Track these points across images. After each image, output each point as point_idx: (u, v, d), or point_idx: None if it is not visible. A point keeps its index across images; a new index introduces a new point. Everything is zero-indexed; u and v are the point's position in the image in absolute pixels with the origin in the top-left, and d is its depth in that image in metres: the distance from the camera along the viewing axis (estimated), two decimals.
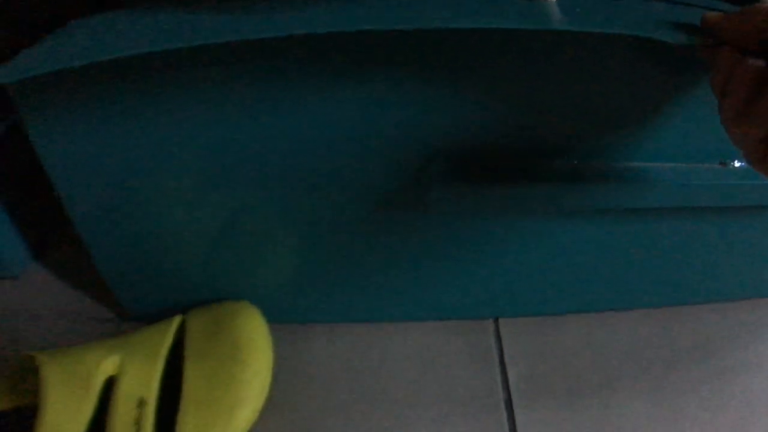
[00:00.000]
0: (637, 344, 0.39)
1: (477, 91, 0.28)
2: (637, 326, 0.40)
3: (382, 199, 0.32)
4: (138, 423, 0.31)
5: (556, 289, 0.39)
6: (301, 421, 0.35)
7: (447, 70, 0.28)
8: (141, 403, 0.31)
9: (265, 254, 0.36)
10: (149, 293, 0.38)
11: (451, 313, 0.40)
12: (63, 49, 0.27)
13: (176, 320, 0.36)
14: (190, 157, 0.30)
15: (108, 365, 0.32)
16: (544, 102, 0.29)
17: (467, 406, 0.35)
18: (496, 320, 0.40)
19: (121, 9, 0.31)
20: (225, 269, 0.37)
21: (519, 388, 0.36)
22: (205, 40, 0.23)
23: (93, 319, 0.40)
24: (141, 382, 0.32)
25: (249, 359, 0.34)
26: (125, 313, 0.40)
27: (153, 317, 0.37)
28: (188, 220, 0.34)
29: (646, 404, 0.35)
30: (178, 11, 0.28)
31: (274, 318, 0.38)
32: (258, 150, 0.30)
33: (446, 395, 0.36)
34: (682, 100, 0.30)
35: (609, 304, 0.40)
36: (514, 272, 0.37)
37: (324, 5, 0.25)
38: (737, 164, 0.33)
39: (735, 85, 0.24)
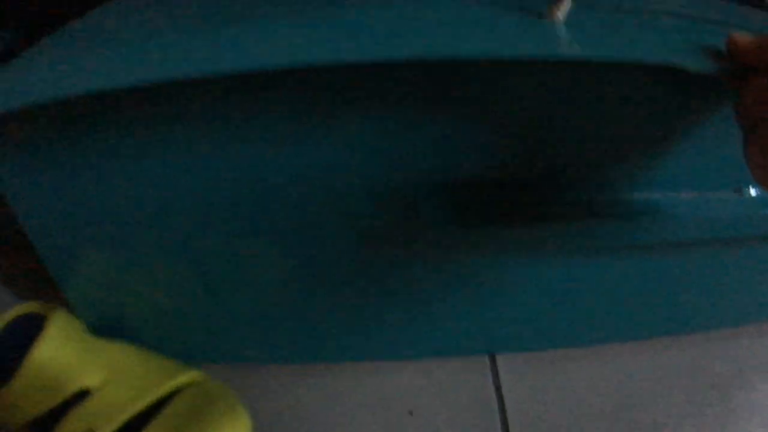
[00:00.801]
0: (649, 378, 0.36)
1: (474, 121, 0.25)
2: (650, 358, 0.37)
3: (372, 238, 0.29)
4: None
5: (558, 323, 0.36)
6: None
7: (443, 98, 0.24)
8: None
9: (246, 296, 0.33)
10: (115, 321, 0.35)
11: (442, 351, 0.37)
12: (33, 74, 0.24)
13: (186, 375, 0.33)
14: (163, 197, 0.27)
15: (91, 377, 0.31)
16: (547, 132, 0.26)
17: None
18: (492, 357, 0.37)
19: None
20: (201, 310, 0.34)
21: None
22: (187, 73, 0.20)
23: None
24: (103, 415, 0.30)
25: None
26: None
27: None
28: (160, 260, 0.31)
29: None
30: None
31: (258, 357, 0.36)
32: (241, 189, 0.27)
33: None
34: (694, 126, 0.28)
35: (615, 337, 0.38)
36: (512, 307, 0.34)
37: (303, 31, 0.22)
38: (753, 192, 0.30)
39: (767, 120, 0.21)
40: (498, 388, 0.36)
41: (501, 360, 0.37)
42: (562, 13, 0.25)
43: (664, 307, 0.36)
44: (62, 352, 0.31)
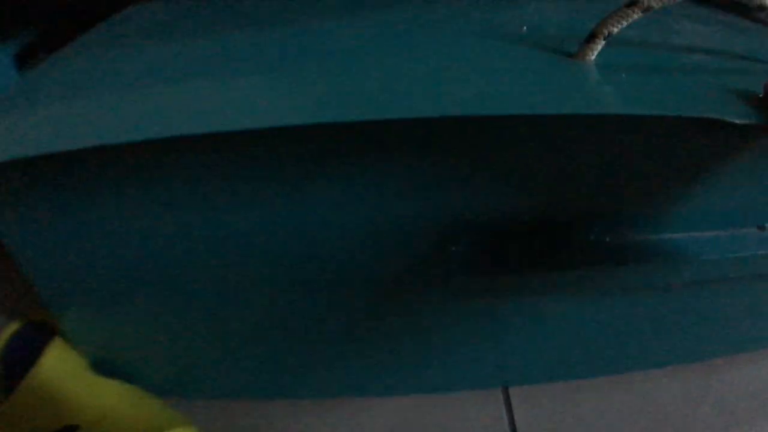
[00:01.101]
0: (666, 407, 0.35)
1: (497, 170, 0.24)
2: (666, 386, 0.36)
3: (393, 285, 0.28)
4: None
5: (573, 355, 0.35)
6: None
7: (464, 149, 0.23)
8: None
9: (256, 337, 0.32)
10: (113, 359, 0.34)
11: (454, 385, 0.36)
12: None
13: (177, 429, 0.31)
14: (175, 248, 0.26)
15: (81, 414, 0.30)
16: (571, 176, 0.25)
17: None
18: (505, 390, 0.36)
19: None
20: (204, 349, 0.33)
21: None
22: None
23: None
24: None
25: None
26: None
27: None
28: (159, 306, 0.29)
29: None
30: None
31: (263, 393, 0.35)
32: (256, 241, 0.26)
33: None
34: (717, 165, 0.27)
35: (630, 366, 0.37)
36: (528, 342, 0.34)
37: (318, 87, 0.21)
38: None
39: None
40: (512, 420, 0.35)
41: (514, 391, 0.36)
42: (593, 54, 0.24)
43: (682, 337, 0.35)
44: (55, 386, 0.30)
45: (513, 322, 0.32)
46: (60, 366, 0.31)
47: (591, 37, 0.24)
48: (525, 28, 0.27)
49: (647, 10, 0.23)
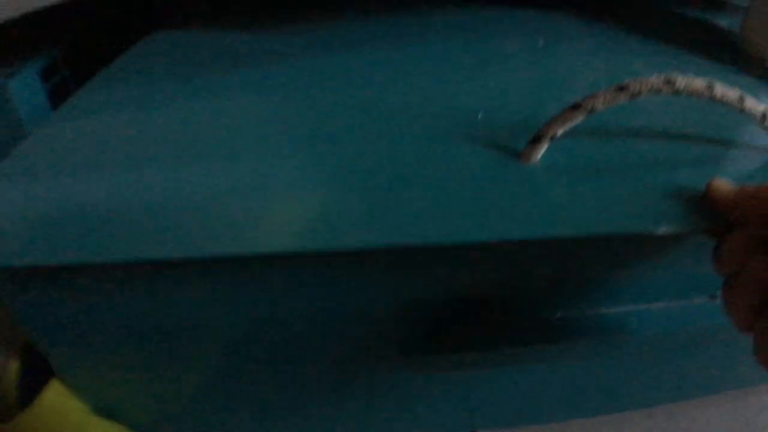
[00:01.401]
0: None
1: (447, 264, 0.25)
2: (627, 427, 0.38)
3: (363, 356, 0.31)
4: None
5: (536, 401, 0.37)
6: None
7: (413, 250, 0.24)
8: None
9: (243, 397, 0.34)
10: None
11: (424, 429, 0.38)
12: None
13: None
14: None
15: None
16: (521, 265, 0.27)
17: None
18: None
19: None
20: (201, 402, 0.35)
21: None
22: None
23: None
24: None
25: None
26: None
27: None
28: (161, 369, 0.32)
29: None
30: None
31: None
32: (234, 326, 0.28)
33: None
34: (666, 245, 0.27)
35: (594, 411, 0.38)
36: (492, 391, 0.35)
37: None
38: None
39: (747, 283, 0.20)
40: None
41: None
42: (538, 155, 0.25)
43: (640, 386, 0.37)
44: (52, 422, 0.31)
45: (478, 378, 0.33)
46: (58, 403, 0.32)
47: (535, 140, 0.24)
48: (481, 113, 0.28)
49: (591, 112, 0.24)
